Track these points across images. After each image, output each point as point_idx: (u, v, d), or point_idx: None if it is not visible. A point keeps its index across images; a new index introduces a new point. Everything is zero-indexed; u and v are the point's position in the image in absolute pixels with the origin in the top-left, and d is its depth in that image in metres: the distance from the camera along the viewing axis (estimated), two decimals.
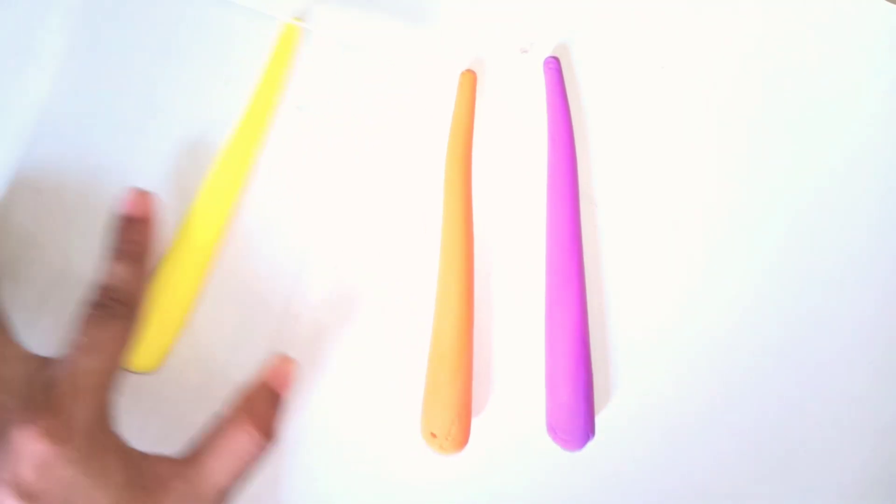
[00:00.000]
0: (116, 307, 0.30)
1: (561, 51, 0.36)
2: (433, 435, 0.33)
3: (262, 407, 0.31)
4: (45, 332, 0.33)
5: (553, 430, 0.34)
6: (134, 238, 0.32)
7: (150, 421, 0.33)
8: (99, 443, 0.28)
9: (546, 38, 0.36)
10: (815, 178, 0.37)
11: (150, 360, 0.33)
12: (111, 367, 0.29)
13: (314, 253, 0.35)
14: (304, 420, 0.34)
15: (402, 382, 0.34)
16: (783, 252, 0.36)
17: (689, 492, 0.35)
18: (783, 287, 0.36)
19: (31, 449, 0.26)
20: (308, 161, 0.35)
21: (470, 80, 0.36)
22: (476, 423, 0.34)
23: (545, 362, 0.34)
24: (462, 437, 0.33)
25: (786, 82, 0.37)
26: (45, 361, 0.29)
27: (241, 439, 0.29)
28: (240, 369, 0.33)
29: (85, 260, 0.33)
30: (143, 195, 0.32)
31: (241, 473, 0.29)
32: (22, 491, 0.26)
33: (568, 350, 0.33)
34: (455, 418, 0.33)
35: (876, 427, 0.36)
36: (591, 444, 0.33)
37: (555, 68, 0.36)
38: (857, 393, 0.36)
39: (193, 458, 0.29)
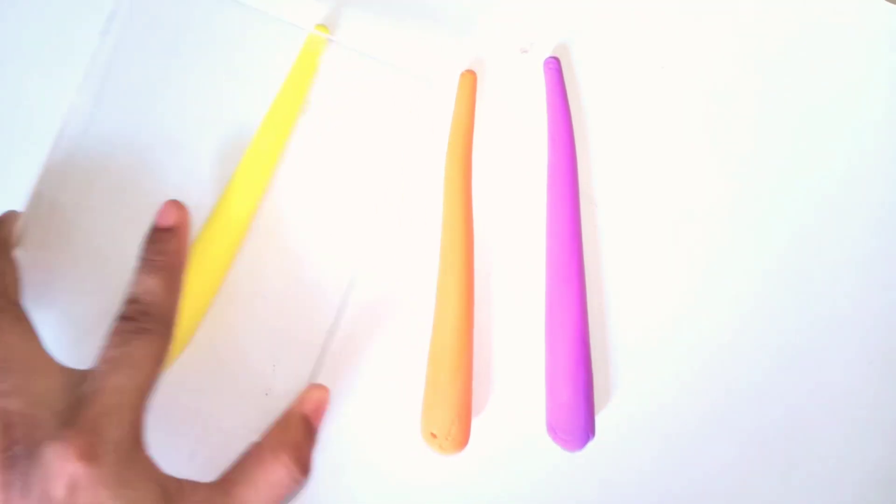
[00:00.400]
0: (146, 321, 0.29)
1: (561, 51, 0.36)
2: (433, 435, 0.33)
3: (298, 438, 0.30)
4: (82, 332, 0.33)
5: (553, 430, 0.34)
6: (166, 249, 0.31)
7: (160, 421, 0.33)
8: (131, 466, 0.27)
9: (546, 38, 0.37)
10: (815, 179, 0.37)
11: None
12: (143, 385, 0.28)
13: (326, 255, 0.35)
14: None
15: (402, 382, 0.34)
16: (783, 251, 0.36)
17: (689, 492, 0.35)
18: (783, 287, 0.36)
19: (63, 468, 0.25)
20: (315, 162, 0.35)
21: (470, 80, 0.36)
22: (476, 423, 0.34)
23: (545, 362, 0.34)
24: (462, 437, 0.33)
25: (786, 82, 0.37)
26: (76, 374, 0.28)
27: (278, 471, 0.28)
28: (249, 369, 0.33)
29: (120, 260, 0.32)
30: (176, 206, 0.31)
31: None
32: None
33: (568, 350, 0.33)
34: (455, 418, 0.33)
35: (879, 430, 0.36)
36: (591, 444, 0.33)
37: (555, 68, 0.36)
38: (859, 395, 0.36)
39: (228, 486, 0.28)
